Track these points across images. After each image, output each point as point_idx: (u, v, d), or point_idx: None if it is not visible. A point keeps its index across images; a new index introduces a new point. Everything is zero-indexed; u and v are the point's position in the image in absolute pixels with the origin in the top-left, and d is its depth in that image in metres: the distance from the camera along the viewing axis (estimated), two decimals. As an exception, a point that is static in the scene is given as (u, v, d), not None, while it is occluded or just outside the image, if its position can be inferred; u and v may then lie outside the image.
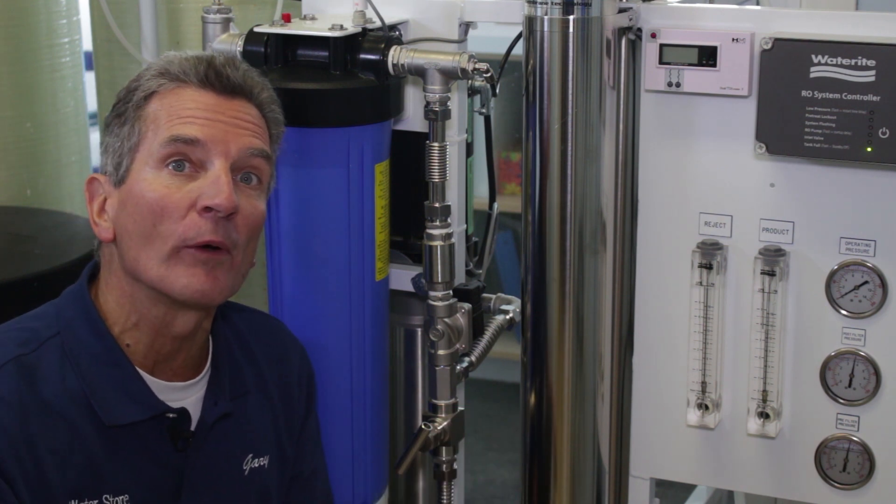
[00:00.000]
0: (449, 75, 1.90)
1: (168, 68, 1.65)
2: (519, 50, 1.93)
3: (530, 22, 1.85)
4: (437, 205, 1.95)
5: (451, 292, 1.99)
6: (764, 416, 1.90)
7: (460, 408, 2.03)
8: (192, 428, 1.67)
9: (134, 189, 1.62)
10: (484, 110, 2.18)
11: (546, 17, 1.83)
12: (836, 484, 1.91)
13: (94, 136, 3.16)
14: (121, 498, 1.61)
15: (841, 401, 1.88)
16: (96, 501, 1.59)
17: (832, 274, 1.85)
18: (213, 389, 1.71)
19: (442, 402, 1.99)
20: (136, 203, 1.61)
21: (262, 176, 1.68)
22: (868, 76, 1.73)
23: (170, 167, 1.61)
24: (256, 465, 1.77)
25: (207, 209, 1.59)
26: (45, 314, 1.67)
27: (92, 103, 3.39)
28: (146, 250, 1.60)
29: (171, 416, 1.64)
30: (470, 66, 1.88)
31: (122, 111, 1.65)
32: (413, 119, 2.07)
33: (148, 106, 1.64)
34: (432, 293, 1.98)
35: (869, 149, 1.75)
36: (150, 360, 1.65)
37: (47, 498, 1.56)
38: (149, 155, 1.61)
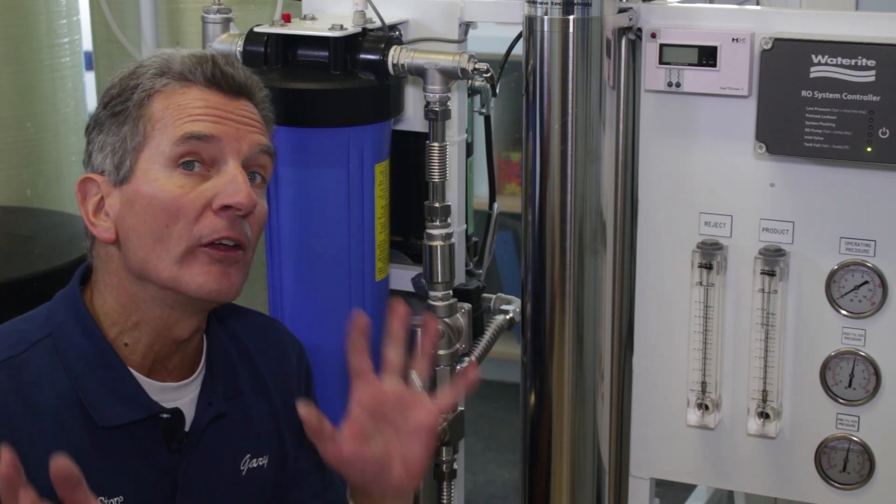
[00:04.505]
0: (449, 75, 1.90)
1: (170, 67, 1.65)
2: (519, 50, 1.93)
3: (530, 22, 1.85)
4: (437, 205, 1.95)
5: (451, 292, 1.99)
6: (764, 416, 1.90)
7: (460, 408, 2.03)
8: (187, 429, 1.67)
9: (143, 190, 1.60)
10: (484, 110, 2.18)
11: (546, 17, 1.83)
12: (835, 484, 1.91)
13: (95, 137, 3.16)
14: (115, 500, 1.60)
15: (841, 401, 1.88)
16: None
17: (832, 274, 1.85)
18: (208, 390, 1.71)
19: (442, 402, 1.99)
20: (147, 204, 1.60)
21: (266, 174, 1.68)
22: (868, 76, 1.73)
23: (181, 167, 1.60)
24: (255, 465, 1.77)
25: (226, 207, 1.59)
26: (36, 317, 1.67)
27: (92, 103, 3.39)
28: (157, 251, 1.59)
29: (164, 416, 1.64)
30: (470, 66, 1.89)
31: (121, 109, 1.64)
32: (413, 119, 2.07)
33: (151, 105, 1.63)
34: (432, 293, 1.98)
35: (869, 149, 1.75)
36: (149, 360, 1.65)
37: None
38: (158, 154, 1.60)
